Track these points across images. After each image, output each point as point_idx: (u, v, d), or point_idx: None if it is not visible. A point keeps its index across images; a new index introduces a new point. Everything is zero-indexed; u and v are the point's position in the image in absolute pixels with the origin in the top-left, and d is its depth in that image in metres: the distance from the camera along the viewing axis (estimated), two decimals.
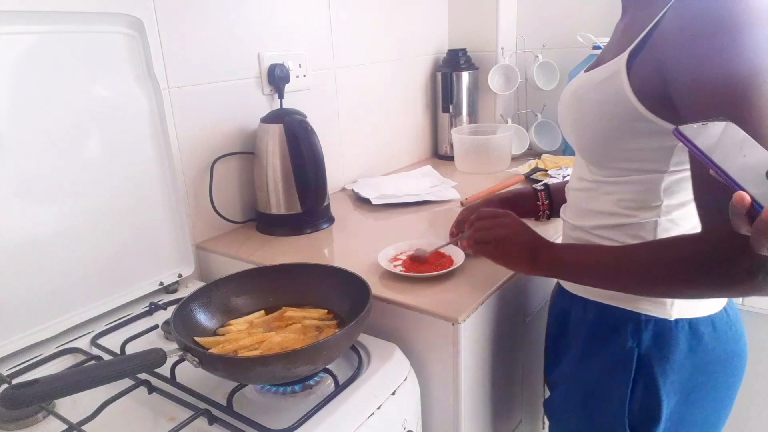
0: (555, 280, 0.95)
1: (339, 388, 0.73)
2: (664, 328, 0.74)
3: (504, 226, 0.82)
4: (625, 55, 0.68)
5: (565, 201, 0.89)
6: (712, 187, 0.56)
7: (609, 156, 0.74)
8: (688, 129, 0.47)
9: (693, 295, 0.70)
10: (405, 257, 1.00)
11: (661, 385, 0.75)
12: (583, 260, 0.74)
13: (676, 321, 0.74)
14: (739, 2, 0.57)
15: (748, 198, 0.41)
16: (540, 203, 1.03)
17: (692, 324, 0.74)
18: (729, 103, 0.56)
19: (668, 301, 0.74)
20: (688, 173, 0.67)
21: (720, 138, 0.45)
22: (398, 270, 0.95)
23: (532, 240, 0.80)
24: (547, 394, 0.96)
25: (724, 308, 0.76)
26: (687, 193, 0.70)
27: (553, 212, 1.04)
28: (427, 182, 1.50)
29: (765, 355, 1.19)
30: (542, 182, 1.04)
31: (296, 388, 0.76)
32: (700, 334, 0.74)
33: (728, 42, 0.56)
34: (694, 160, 0.61)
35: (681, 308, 0.74)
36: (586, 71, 0.77)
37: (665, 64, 0.62)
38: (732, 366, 0.78)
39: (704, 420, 0.79)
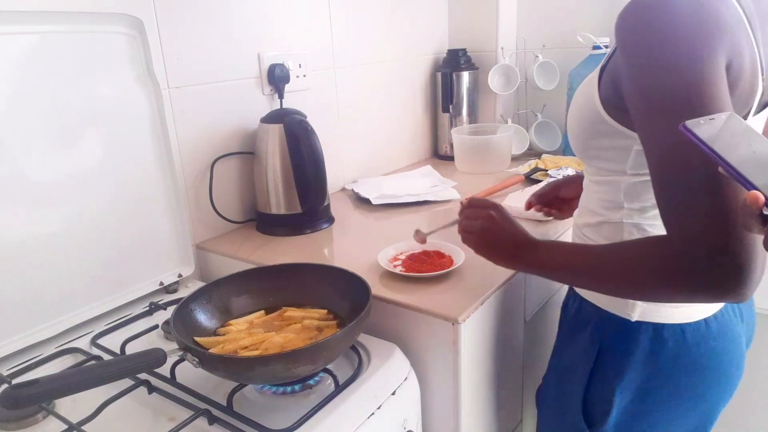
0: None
1: (339, 388, 0.73)
2: (626, 328, 0.75)
3: (490, 219, 0.81)
4: (601, 62, 0.71)
5: None
6: (674, 190, 0.57)
7: (584, 153, 0.77)
8: (693, 124, 0.45)
9: (657, 298, 0.69)
10: (405, 257, 1.00)
11: (615, 381, 0.76)
12: (559, 261, 0.74)
13: (639, 323, 0.74)
14: (667, 11, 0.58)
15: (762, 198, 0.39)
16: None
17: (656, 328, 0.74)
18: (665, 114, 0.57)
19: (630, 302, 0.74)
20: (647, 177, 0.66)
21: (726, 132, 0.44)
22: (398, 270, 0.95)
23: (516, 236, 0.80)
24: None
25: (705, 320, 0.74)
26: (647, 198, 0.71)
27: None
28: (427, 182, 1.50)
29: (766, 356, 1.19)
30: None
31: (296, 388, 0.76)
32: (664, 339, 0.73)
33: (661, 54, 0.58)
34: (654, 160, 0.59)
35: (644, 311, 0.74)
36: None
37: (618, 75, 0.64)
38: (701, 378, 0.75)
39: (668, 424, 0.78)
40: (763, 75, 0.62)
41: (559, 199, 1.01)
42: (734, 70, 0.58)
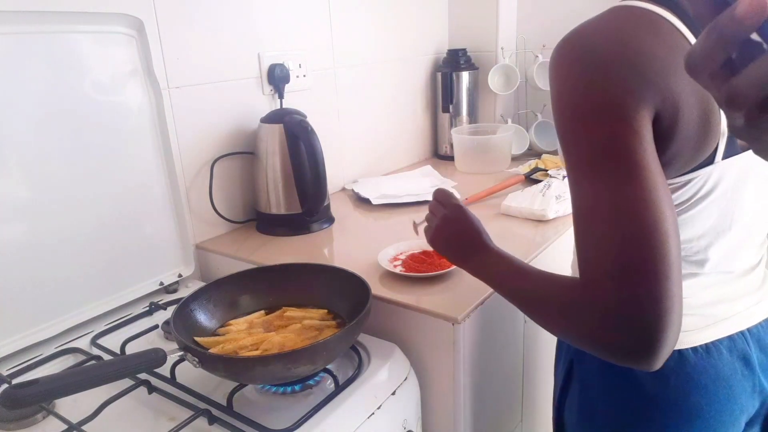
0: None
1: (339, 388, 0.73)
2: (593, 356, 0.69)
3: (444, 218, 0.79)
4: None
5: None
6: (590, 233, 0.53)
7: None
8: None
9: (562, 337, 0.64)
10: (405, 257, 1.00)
11: (584, 407, 0.73)
12: (495, 271, 0.70)
13: None
14: (581, 67, 0.54)
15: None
16: None
17: None
18: (573, 167, 0.55)
19: None
20: None
21: None
22: (398, 270, 0.95)
23: (467, 236, 0.77)
24: None
25: (680, 351, 0.65)
26: None
27: None
28: (427, 182, 1.50)
29: None
30: None
31: (296, 388, 0.76)
32: (631, 369, 0.64)
33: (568, 112, 0.55)
34: (573, 200, 0.55)
35: None
36: None
37: None
38: (670, 417, 0.66)
39: None
40: None
41: None
42: (666, 121, 0.53)
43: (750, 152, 0.43)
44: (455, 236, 0.78)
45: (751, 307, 0.68)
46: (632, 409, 0.68)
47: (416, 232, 0.96)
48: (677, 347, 0.64)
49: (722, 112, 0.52)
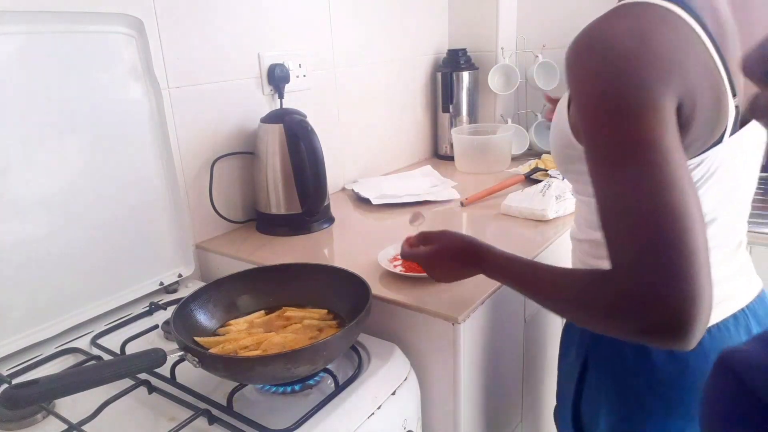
0: None
1: (339, 388, 0.73)
2: (610, 343, 0.72)
3: (436, 254, 0.80)
4: None
5: None
6: (621, 221, 0.54)
7: (566, 175, 0.76)
8: None
9: (594, 329, 0.66)
10: None
11: (602, 395, 0.74)
12: (510, 272, 0.72)
13: None
14: (604, 60, 0.56)
15: None
16: None
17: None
18: (601, 157, 0.56)
19: None
20: None
21: None
22: (398, 270, 0.95)
23: (473, 251, 0.77)
24: None
25: None
26: None
27: None
28: (427, 182, 1.50)
29: None
30: None
31: (296, 388, 0.76)
32: (648, 351, 0.70)
33: (595, 104, 0.56)
34: (599, 196, 0.56)
35: None
36: None
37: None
38: (692, 394, 0.70)
39: None
40: (735, 94, 0.59)
41: None
42: (687, 109, 0.56)
43: (743, 129, 0.62)
44: (456, 263, 0.78)
45: (746, 283, 0.73)
46: (655, 394, 0.71)
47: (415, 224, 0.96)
48: None
49: (730, 95, 0.58)
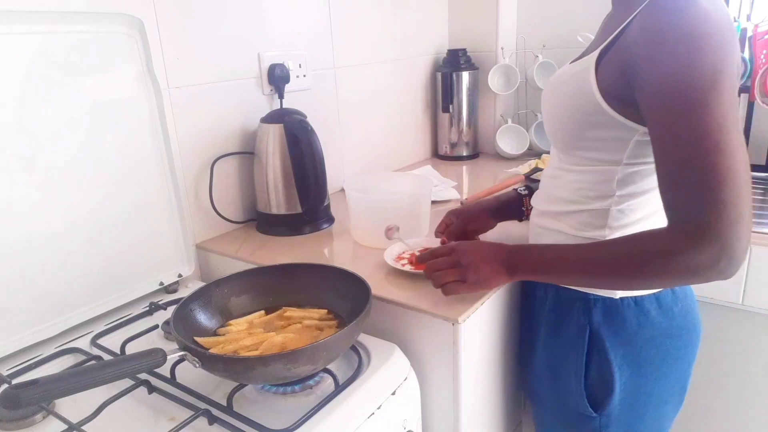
0: None
1: (339, 388, 0.73)
2: (611, 306, 0.80)
3: (464, 254, 0.81)
4: (596, 54, 0.72)
5: None
6: (680, 182, 0.62)
7: (573, 144, 0.78)
8: None
9: (661, 285, 0.76)
10: (411, 254, 0.99)
11: (612, 359, 0.81)
12: (555, 261, 0.76)
13: (622, 299, 0.79)
14: (697, 13, 0.61)
15: None
16: (524, 208, 1.03)
17: (638, 301, 0.79)
18: (689, 108, 0.61)
19: None
20: (642, 167, 0.74)
21: None
22: (407, 268, 0.94)
23: (500, 249, 0.81)
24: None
25: (673, 290, 0.80)
26: (638, 185, 0.75)
27: None
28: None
29: (765, 355, 1.19)
30: (524, 185, 1.05)
31: (296, 388, 0.76)
32: (646, 310, 0.79)
33: (688, 50, 0.61)
34: (661, 155, 0.64)
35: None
36: (570, 63, 0.81)
37: (630, 67, 0.66)
38: (681, 339, 0.82)
39: (660, 390, 0.83)
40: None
41: (464, 234, 1.02)
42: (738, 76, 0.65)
43: None
44: (488, 260, 0.80)
45: None
46: (654, 346, 0.80)
47: (390, 236, 0.97)
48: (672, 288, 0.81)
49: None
